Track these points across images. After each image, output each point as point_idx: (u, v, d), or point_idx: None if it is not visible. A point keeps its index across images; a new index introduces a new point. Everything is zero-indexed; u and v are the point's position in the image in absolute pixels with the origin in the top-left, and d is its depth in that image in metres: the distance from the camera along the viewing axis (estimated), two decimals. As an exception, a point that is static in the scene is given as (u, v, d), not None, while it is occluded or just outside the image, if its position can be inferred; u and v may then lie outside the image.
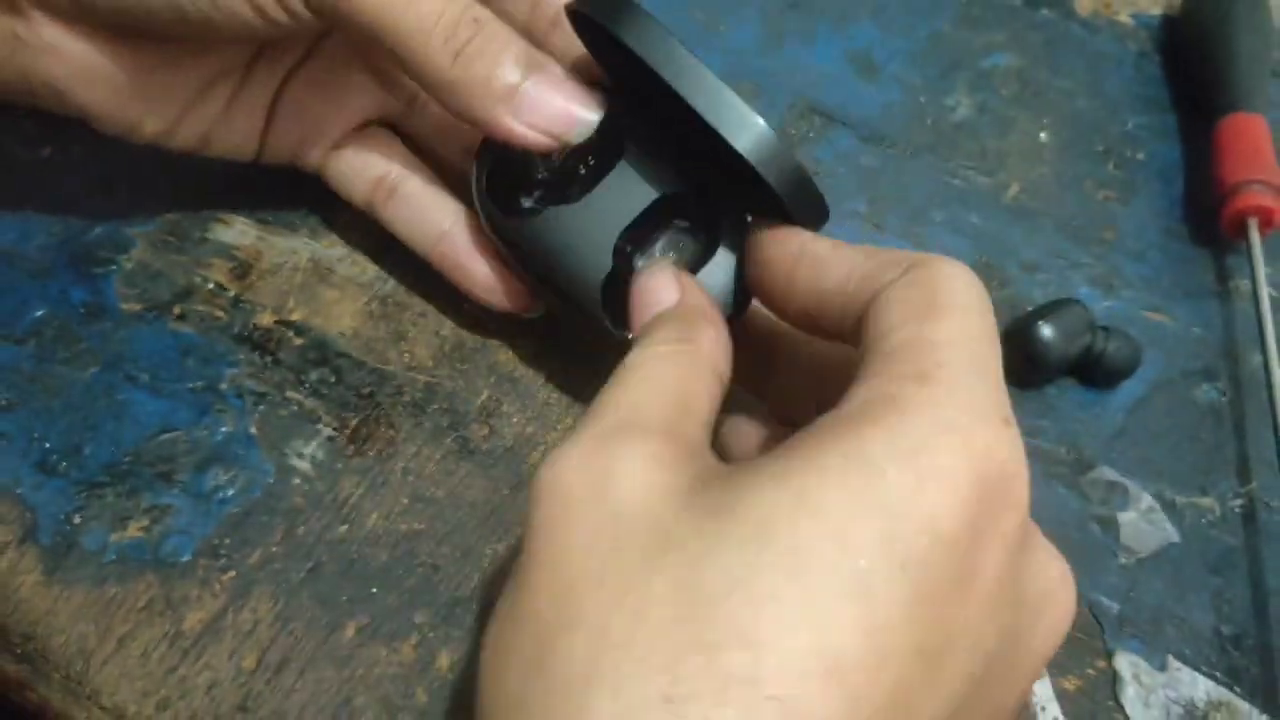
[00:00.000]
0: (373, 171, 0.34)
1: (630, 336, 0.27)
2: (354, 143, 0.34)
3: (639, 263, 0.31)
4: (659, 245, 0.32)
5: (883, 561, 0.18)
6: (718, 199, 0.31)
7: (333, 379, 0.33)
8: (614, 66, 0.30)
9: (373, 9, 0.27)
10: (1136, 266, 0.41)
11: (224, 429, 0.32)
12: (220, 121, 0.32)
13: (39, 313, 0.33)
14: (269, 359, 0.33)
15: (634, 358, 0.25)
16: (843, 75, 0.45)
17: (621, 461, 0.21)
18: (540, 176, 0.32)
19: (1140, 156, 0.44)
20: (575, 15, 0.29)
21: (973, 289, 0.23)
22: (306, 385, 0.33)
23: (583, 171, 0.32)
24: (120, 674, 0.28)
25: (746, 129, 0.26)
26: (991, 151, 0.44)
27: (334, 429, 0.32)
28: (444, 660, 0.29)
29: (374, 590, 0.30)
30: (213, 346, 0.33)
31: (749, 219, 0.29)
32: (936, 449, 0.20)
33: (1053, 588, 0.22)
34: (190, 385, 0.32)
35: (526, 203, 0.32)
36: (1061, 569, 0.22)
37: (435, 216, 0.33)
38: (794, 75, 0.45)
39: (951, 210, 0.41)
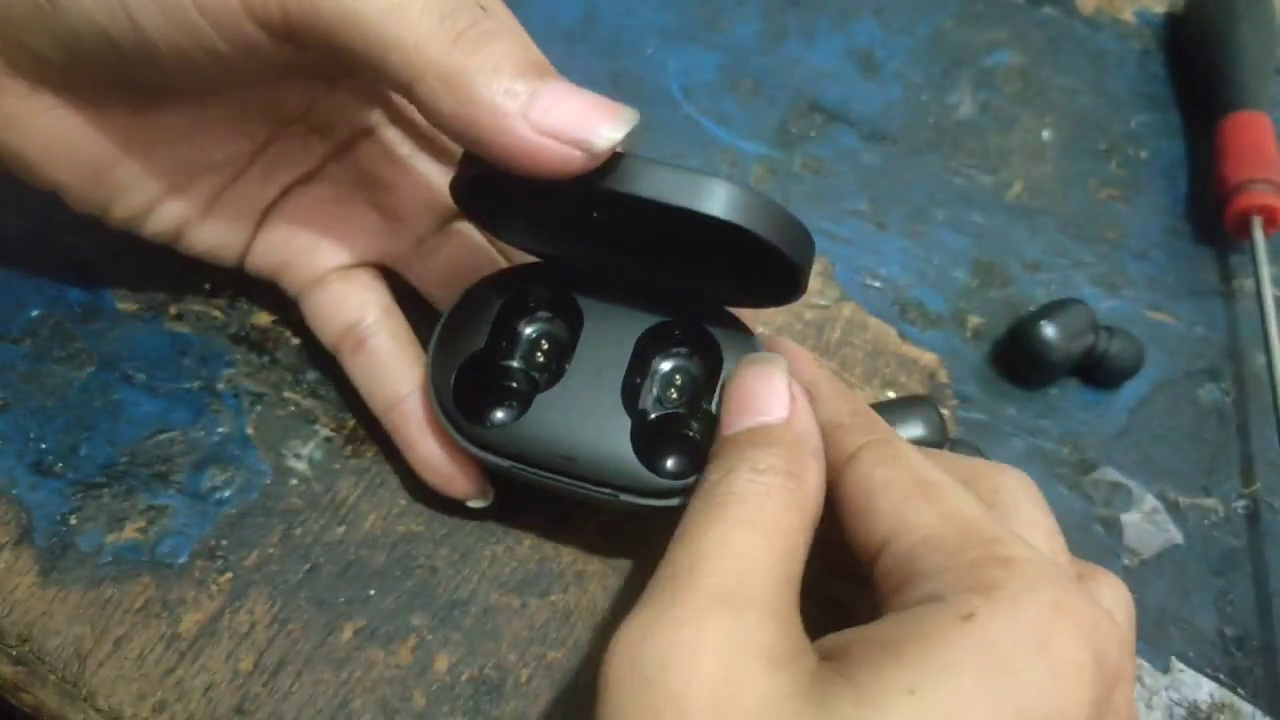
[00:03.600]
0: (346, 317, 0.31)
1: (719, 438, 0.25)
2: (335, 281, 0.31)
3: (653, 404, 0.29)
4: (664, 378, 0.30)
5: None
6: (700, 312, 0.29)
7: (331, 379, 0.33)
8: (525, 228, 0.29)
9: None
10: (1140, 266, 0.41)
11: (221, 429, 0.32)
12: (197, 219, 0.31)
13: (35, 312, 0.33)
14: (266, 359, 0.33)
15: (732, 486, 0.23)
16: (844, 73, 0.45)
17: (736, 661, 0.20)
18: (508, 383, 0.30)
19: (1143, 155, 0.44)
20: (466, 184, 0.26)
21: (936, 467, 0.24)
22: (304, 385, 0.33)
23: (543, 357, 0.30)
24: (116, 676, 0.28)
25: (710, 194, 0.24)
26: (994, 150, 0.43)
27: (332, 429, 0.32)
28: (442, 662, 0.29)
29: (371, 592, 0.30)
30: (209, 346, 0.33)
31: (733, 329, 0.29)
32: (1057, 636, 0.20)
33: None
34: (187, 385, 0.32)
35: (501, 413, 0.29)
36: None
37: (395, 380, 0.30)
38: (795, 73, 0.44)
39: (953, 209, 0.41)
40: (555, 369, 0.29)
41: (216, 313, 0.34)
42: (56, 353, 0.32)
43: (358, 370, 0.31)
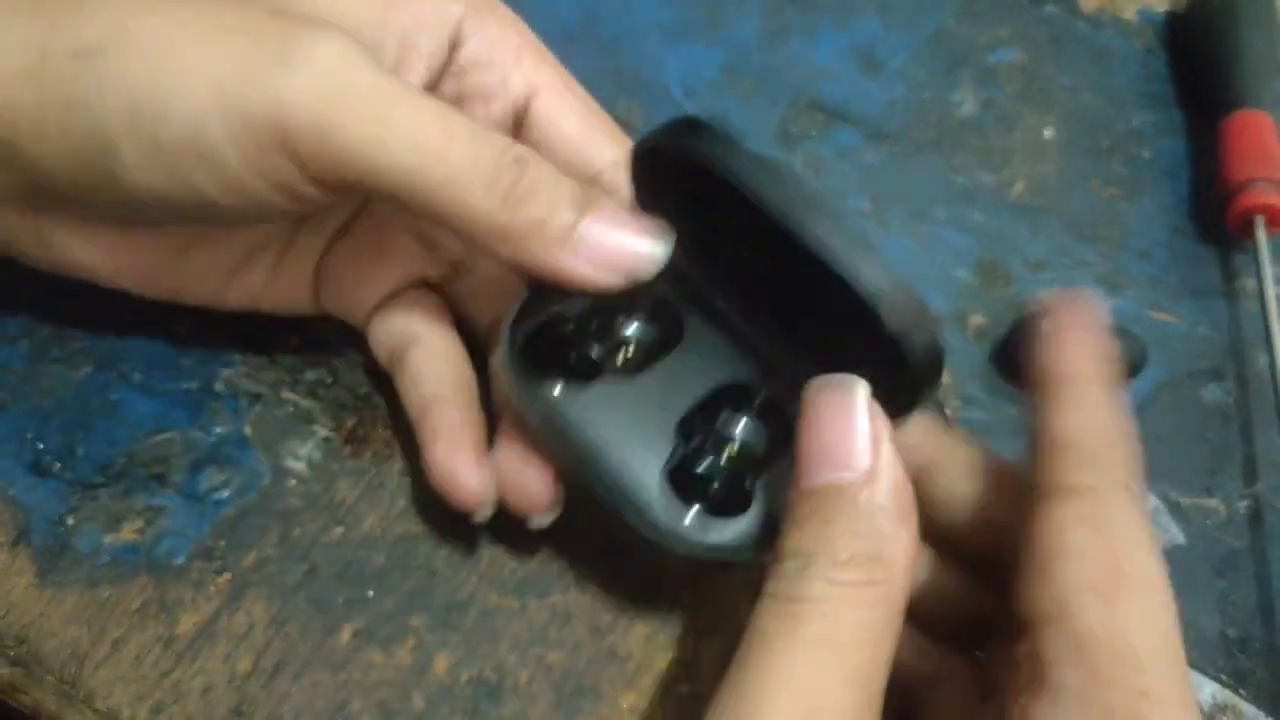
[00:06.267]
0: (392, 340, 0.31)
1: (799, 487, 0.23)
2: (391, 306, 0.32)
3: (695, 452, 0.28)
4: (722, 435, 0.28)
5: None
6: (787, 382, 0.27)
7: (329, 380, 0.33)
8: (680, 219, 0.28)
9: (401, 171, 0.25)
10: (1142, 265, 0.41)
11: (219, 429, 0.32)
12: (266, 287, 0.31)
13: (34, 312, 0.33)
14: (265, 359, 0.33)
15: (808, 591, 0.21)
16: (846, 71, 0.45)
17: None
18: (579, 361, 0.29)
19: (1146, 154, 0.44)
20: (647, 154, 0.26)
21: (1150, 548, 0.22)
22: (303, 386, 0.33)
23: (629, 354, 0.29)
24: (114, 677, 0.27)
25: (886, 290, 0.23)
26: (996, 148, 0.43)
27: (330, 430, 0.32)
28: (441, 664, 0.29)
29: (370, 593, 0.29)
30: (208, 346, 0.33)
31: None
32: None
33: None
34: (185, 385, 0.32)
35: (557, 387, 0.28)
36: None
37: (423, 389, 0.30)
38: (796, 71, 0.44)
39: (955, 208, 0.41)
40: (629, 370, 0.28)
41: (215, 313, 0.34)
42: (54, 353, 0.32)
43: (400, 387, 0.31)
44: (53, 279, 0.33)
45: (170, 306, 0.33)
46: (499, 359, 0.28)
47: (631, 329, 0.29)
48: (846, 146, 0.42)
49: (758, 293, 0.28)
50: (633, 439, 0.27)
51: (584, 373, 0.28)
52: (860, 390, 0.24)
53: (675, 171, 0.26)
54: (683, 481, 0.27)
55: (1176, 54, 0.47)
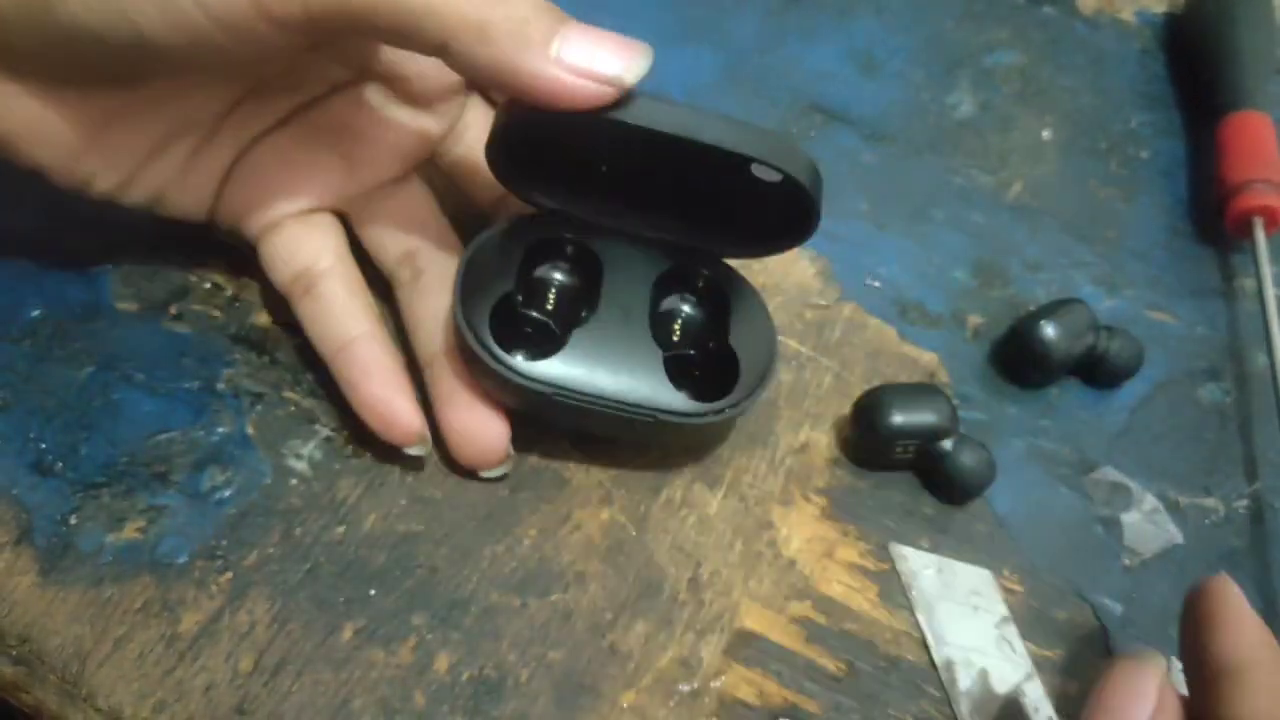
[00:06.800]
0: (298, 261, 0.31)
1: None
2: (292, 225, 0.32)
3: (676, 333, 0.33)
4: (670, 319, 0.33)
5: None
6: (702, 262, 0.33)
7: (331, 379, 0.33)
8: (549, 186, 0.31)
9: None
10: (1140, 265, 0.41)
11: (221, 429, 0.32)
12: (175, 181, 0.31)
13: (35, 312, 0.33)
14: (266, 358, 0.33)
15: None
16: (844, 73, 0.45)
17: None
18: (542, 331, 0.32)
19: (1144, 155, 0.44)
20: (501, 138, 0.28)
21: None
22: (304, 385, 0.33)
23: (554, 305, 0.32)
24: (117, 676, 0.28)
25: (776, 147, 0.28)
26: (994, 149, 0.43)
27: (332, 429, 0.32)
28: (442, 662, 0.29)
29: (372, 592, 0.30)
30: (209, 346, 0.33)
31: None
32: None
33: None
34: (187, 385, 0.32)
35: (521, 354, 0.30)
36: None
37: (343, 324, 0.31)
38: (795, 73, 0.44)
39: (953, 209, 0.41)
40: (573, 316, 0.31)
41: (216, 313, 0.34)
42: (56, 352, 0.32)
43: (306, 314, 0.31)
44: (55, 278, 0.34)
45: (172, 306, 0.34)
46: (459, 335, 0.30)
47: (563, 278, 0.33)
48: (845, 147, 0.42)
49: (640, 199, 0.31)
50: (629, 361, 0.30)
51: (552, 339, 0.31)
52: (1158, 661, 0.26)
53: (528, 133, 0.28)
54: (677, 370, 0.31)
55: (1174, 55, 0.48)
